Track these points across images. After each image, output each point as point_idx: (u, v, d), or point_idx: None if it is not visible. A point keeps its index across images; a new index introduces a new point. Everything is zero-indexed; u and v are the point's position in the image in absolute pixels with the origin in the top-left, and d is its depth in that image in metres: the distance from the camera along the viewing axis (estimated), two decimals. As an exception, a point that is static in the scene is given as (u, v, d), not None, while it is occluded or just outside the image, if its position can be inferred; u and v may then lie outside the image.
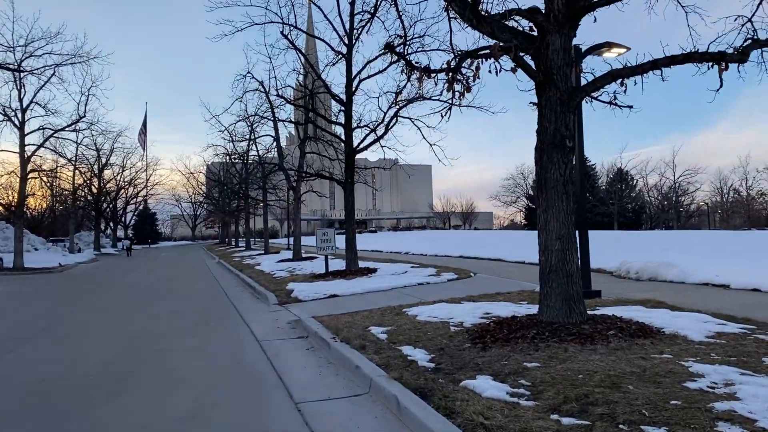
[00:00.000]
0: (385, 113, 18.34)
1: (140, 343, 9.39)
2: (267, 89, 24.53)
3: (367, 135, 18.72)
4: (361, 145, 18.43)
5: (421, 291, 13.56)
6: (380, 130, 19.08)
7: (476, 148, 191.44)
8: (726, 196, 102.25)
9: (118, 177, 77.61)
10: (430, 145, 19.27)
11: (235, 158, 40.48)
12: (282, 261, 27.15)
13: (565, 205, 7.83)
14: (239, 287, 18.77)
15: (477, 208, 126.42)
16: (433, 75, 8.68)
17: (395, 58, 10.47)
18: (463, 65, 8.22)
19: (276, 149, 28.00)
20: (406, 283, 14.69)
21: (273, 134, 27.96)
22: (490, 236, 51.02)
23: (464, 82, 8.35)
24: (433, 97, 18.74)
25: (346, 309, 11.48)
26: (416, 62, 9.11)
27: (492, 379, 5.70)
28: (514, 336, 7.29)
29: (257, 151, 34.46)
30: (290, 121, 22.63)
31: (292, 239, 32.24)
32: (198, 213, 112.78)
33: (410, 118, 18.92)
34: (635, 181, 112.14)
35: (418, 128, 19.07)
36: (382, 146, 19.61)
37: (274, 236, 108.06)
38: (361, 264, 19.22)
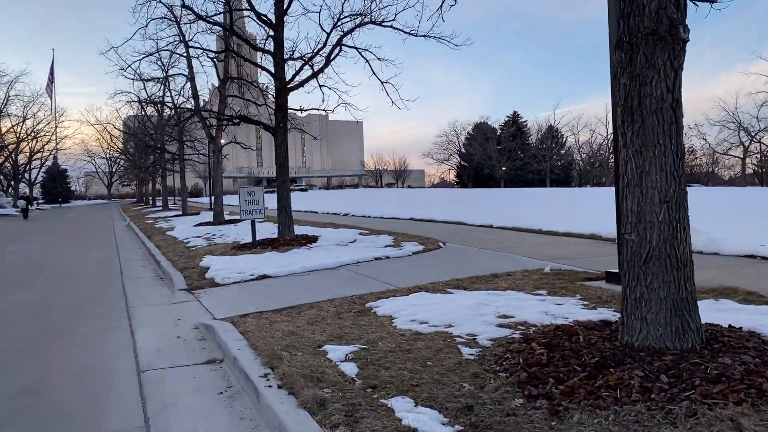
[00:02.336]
0: (326, 40, 14.51)
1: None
2: (178, 18, 20.10)
3: (302, 67, 14.85)
4: (296, 80, 14.57)
5: (382, 269, 10.13)
6: (319, 63, 15.28)
7: (408, 105, 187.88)
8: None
9: (18, 128, 70.13)
10: (382, 83, 15.65)
11: (147, 106, 35.42)
12: (200, 225, 23.08)
13: (675, 145, 4.48)
14: (142, 260, 14.80)
15: (410, 165, 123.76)
16: None
17: None
18: None
19: (191, 91, 23.52)
20: (359, 257, 11.20)
21: (186, 73, 23.50)
22: (431, 195, 48.13)
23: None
24: (385, 22, 15.10)
25: (281, 300, 7.97)
26: None
27: None
28: (601, 382, 3.95)
29: (171, 97, 29.67)
30: (205, 51, 18.23)
31: (213, 199, 28.09)
32: (114, 170, 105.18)
33: (357, 48, 15.18)
34: (565, 138, 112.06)
35: (367, 61, 15.38)
36: (320, 86, 15.80)
37: (197, 195, 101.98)
38: (297, 230, 15.57)
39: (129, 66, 22.48)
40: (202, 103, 23.32)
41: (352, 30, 14.86)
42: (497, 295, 7.19)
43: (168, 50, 22.23)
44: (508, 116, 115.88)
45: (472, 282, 8.27)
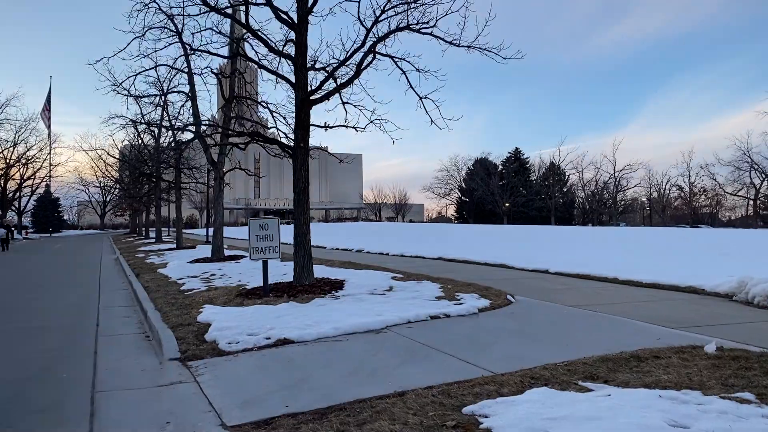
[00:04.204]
0: (364, 40, 11.98)
1: None
2: (180, 29, 17.67)
3: (328, 77, 12.27)
4: (322, 90, 11.98)
5: (450, 336, 7.37)
6: (345, 75, 12.75)
7: (407, 139, 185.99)
8: (665, 191, 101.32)
9: (8, 153, 67.66)
10: (420, 98, 13.11)
11: (143, 131, 32.91)
12: (196, 261, 20.28)
13: None
14: (126, 308, 12.01)
15: (410, 199, 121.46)
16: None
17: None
18: None
19: (191, 111, 20.90)
20: (408, 315, 8.42)
21: (187, 91, 20.95)
22: (447, 230, 45.39)
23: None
24: (424, 29, 12.66)
25: (319, 390, 5.34)
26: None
27: None
28: None
29: (169, 119, 27.12)
30: (212, 53, 15.49)
31: (211, 231, 25.37)
32: (107, 199, 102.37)
33: (392, 57, 12.67)
34: (567, 176, 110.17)
35: (404, 72, 12.87)
36: (344, 103, 13.23)
37: (192, 226, 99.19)
38: (316, 270, 12.82)
39: (121, 84, 19.77)
40: (203, 128, 20.81)
41: (387, 35, 12.36)
42: (681, 404, 4.46)
43: (167, 65, 19.74)
44: (509, 152, 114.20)
45: (609, 368, 5.53)
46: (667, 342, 6.51)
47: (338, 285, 11.53)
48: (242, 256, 21.15)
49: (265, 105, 19.16)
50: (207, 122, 19.36)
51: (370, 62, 12.26)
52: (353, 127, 12.31)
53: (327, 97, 12.03)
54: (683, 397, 4.59)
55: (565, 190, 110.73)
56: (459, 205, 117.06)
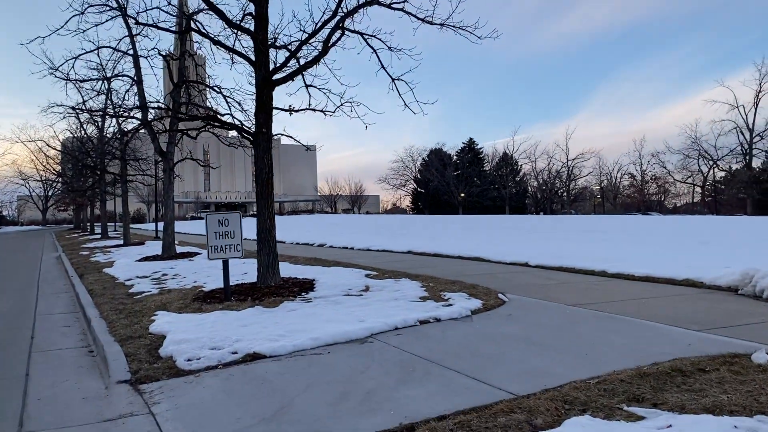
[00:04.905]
0: (327, 20, 10.87)
1: None
2: (123, 3, 16.15)
3: (290, 57, 11.11)
4: (285, 70, 10.81)
5: (448, 345, 6.38)
6: (309, 52, 11.61)
7: (361, 130, 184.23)
8: (616, 179, 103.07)
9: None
10: (393, 80, 12.10)
11: (85, 120, 30.89)
12: (146, 259, 18.80)
13: None
14: (67, 315, 10.66)
15: (366, 191, 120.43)
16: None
17: None
18: None
19: (138, 97, 19.25)
20: (395, 320, 7.38)
21: (133, 74, 19.33)
22: (408, 221, 44.43)
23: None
24: (394, 4, 11.66)
25: (300, 418, 4.40)
26: None
27: None
28: None
29: (113, 107, 25.25)
30: (160, 29, 13.99)
31: (161, 226, 23.83)
32: (50, 194, 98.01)
33: (362, 33, 11.60)
34: (519, 166, 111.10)
35: (374, 51, 11.83)
36: (307, 86, 12.08)
37: (140, 221, 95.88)
38: (286, 268, 11.68)
39: (58, 68, 18.04)
40: (151, 115, 19.24)
41: (356, 9, 11.28)
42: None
43: (110, 47, 18.15)
44: (464, 143, 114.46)
45: (652, 387, 4.64)
46: (701, 349, 5.68)
47: (308, 285, 10.45)
48: (196, 253, 19.79)
49: (218, 90, 17.78)
50: (158, 104, 17.81)
51: (339, 39, 11.16)
52: (322, 111, 11.19)
53: (291, 77, 10.88)
54: (764, 428, 3.73)
55: (518, 179, 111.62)
56: (414, 196, 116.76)
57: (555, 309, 7.98)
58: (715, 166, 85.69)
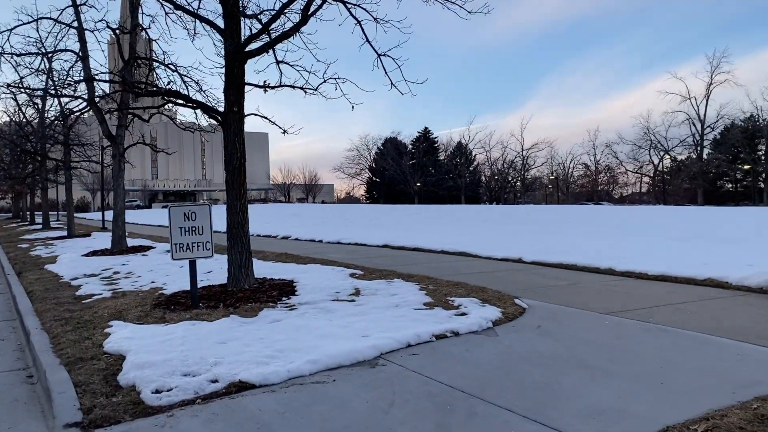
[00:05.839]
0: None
1: None
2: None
3: (271, 21, 9.70)
4: (259, 40, 9.38)
5: (485, 375, 5.11)
6: (282, 23, 10.23)
7: (313, 117, 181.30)
8: (569, 169, 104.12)
9: None
10: (379, 55, 10.81)
11: (24, 101, 28.46)
12: (94, 254, 17.02)
13: None
14: (1, 322, 9.08)
15: (321, 179, 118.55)
16: None
17: None
18: None
19: (83, 74, 17.26)
20: (406, 335, 6.14)
21: (77, 49, 17.31)
22: (373, 211, 43.06)
23: None
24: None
25: None
26: None
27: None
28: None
29: (55, 87, 23.08)
30: (108, 28, 12.10)
31: (110, 216, 21.98)
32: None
33: (345, 2, 10.28)
34: (474, 156, 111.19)
35: (358, 22, 10.52)
36: (279, 62, 10.69)
37: (84, 210, 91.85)
38: (256, 267, 10.26)
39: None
40: (99, 92, 17.38)
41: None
42: None
43: (51, 18, 16.24)
44: (419, 132, 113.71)
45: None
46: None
47: (288, 288, 9.13)
48: (150, 247, 18.11)
49: (173, 68, 16.14)
50: (111, 75, 15.90)
51: (320, 6, 9.80)
52: (302, 88, 9.82)
53: (267, 48, 9.48)
54: None
55: (472, 169, 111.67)
56: (370, 185, 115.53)
57: (589, 319, 6.90)
58: (666, 156, 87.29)
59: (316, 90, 9.84)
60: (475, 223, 26.83)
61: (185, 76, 16.05)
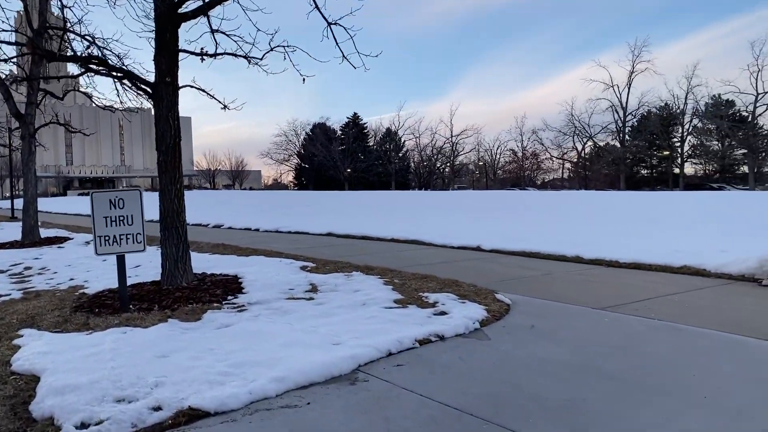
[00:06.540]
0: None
1: None
2: None
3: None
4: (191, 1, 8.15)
5: (492, 392, 4.24)
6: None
7: (238, 101, 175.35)
8: (496, 155, 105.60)
9: None
10: (329, 24, 9.74)
11: None
12: (1, 247, 15.18)
13: None
14: None
15: (248, 165, 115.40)
16: None
17: None
18: None
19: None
20: (385, 341, 5.25)
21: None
22: (301, 198, 41.69)
23: None
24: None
25: None
26: None
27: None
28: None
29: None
30: None
31: (20, 205, 19.96)
32: None
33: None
34: (403, 142, 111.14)
35: (307, -14, 9.42)
36: (214, 31, 9.46)
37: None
38: (191, 260, 9.05)
39: None
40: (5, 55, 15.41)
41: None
42: None
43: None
44: (348, 117, 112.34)
45: None
46: None
47: (233, 285, 8.02)
48: (66, 238, 16.39)
49: (91, 39, 14.45)
50: (20, 49, 13.94)
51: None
52: (245, 57, 8.65)
53: (204, 10, 8.27)
54: None
55: (402, 155, 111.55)
56: (298, 171, 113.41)
57: (584, 316, 6.18)
58: (589, 142, 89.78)
59: (261, 60, 8.70)
60: (419, 210, 26.15)
61: (104, 48, 14.40)
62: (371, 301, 6.78)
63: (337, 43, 9.83)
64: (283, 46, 8.76)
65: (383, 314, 6.19)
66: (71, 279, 9.51)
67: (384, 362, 4.97)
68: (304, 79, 9.16)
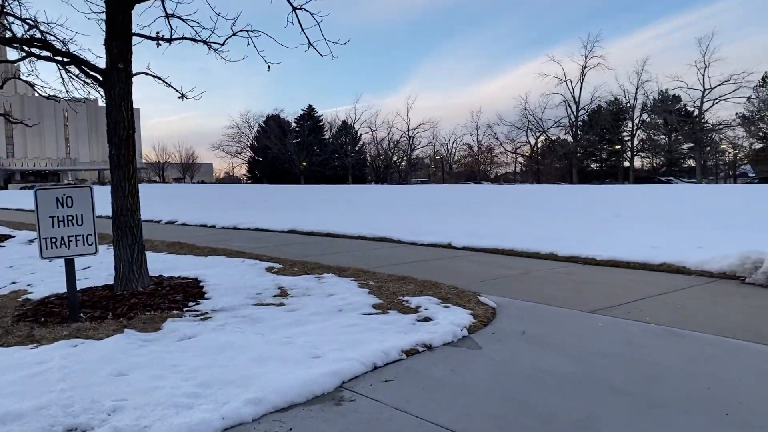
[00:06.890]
0: None
1: None
2: None
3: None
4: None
5: (494, 412, 3.82)
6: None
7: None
8: (452, 149, 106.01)
9: None
10: (294, 8, 9.18)
11: None
12: (-66, 246, 14.08)
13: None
14: None
15: (199, 158, 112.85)
16: None
17: None
18: None
19: None
20: (370, 353, 4.78)
21: None
22: (255, 192, 40.70)
23: None
24: None
25: None
26: None
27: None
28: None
29: None
30: None
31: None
32: None
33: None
34: (359, 135, 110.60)
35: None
36: (169, 15, 8.79)
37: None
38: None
39: None
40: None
41: None
42: None
43: None
44: (303, 110, 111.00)
45: None
46: None
47: (194, 289, 7.42)
48: (8, 236, 15.36)
49: (32, 22, 13.46)
50: None
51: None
52: (205, 42, 8.02)
53: (161, -10, 7.61)
54: None
55: (358, 148, 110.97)
56: (252, 164, 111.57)
57: (576, 320, 5.84)
58: (542, 136, 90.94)
59: (222, 45, 8.09)
60: (381, 206, 25.73)
61: (48, 33, 13.41)
62: (348, 306, 6.30)
63: (302, 29, 9.27)
64: (247, 31, 8.15)
65: (363, 322, 5.72)
66: (13, 282, 8.73)
67: (370, 377, 4.51)
68: (269, 67, 8.58)
